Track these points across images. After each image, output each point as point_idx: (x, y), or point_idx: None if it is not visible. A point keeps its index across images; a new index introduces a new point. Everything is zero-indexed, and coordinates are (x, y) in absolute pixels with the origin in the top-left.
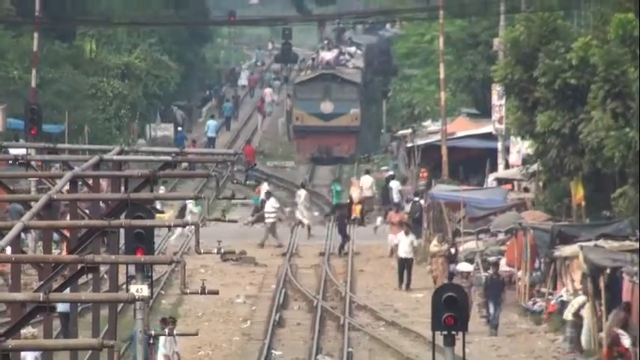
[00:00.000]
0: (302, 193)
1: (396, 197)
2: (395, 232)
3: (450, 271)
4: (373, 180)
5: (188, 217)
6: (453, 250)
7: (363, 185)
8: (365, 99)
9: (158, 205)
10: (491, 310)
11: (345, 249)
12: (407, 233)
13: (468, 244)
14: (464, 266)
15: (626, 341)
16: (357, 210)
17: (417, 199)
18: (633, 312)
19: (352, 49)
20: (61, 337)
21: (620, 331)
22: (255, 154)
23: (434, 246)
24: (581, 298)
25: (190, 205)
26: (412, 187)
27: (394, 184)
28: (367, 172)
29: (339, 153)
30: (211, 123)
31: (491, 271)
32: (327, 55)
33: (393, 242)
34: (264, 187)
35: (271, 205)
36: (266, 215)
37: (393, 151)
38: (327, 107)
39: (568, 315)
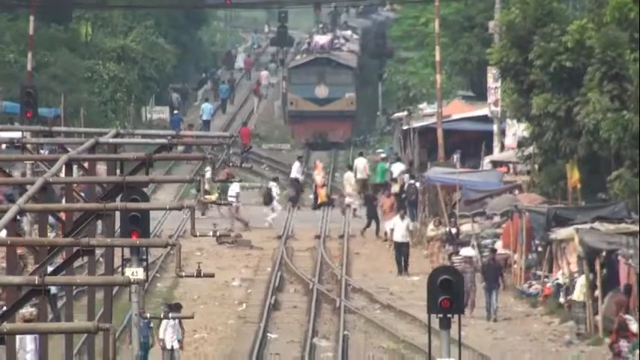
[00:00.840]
0: (349, 176)
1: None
2: (388, 217)
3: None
4: (367, 162)
5: (275, 202)
6: (454, 230)
7: (357, 167)
8: (361, 82)
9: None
10: (489, 295)
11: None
12: (402, 217)
13: (464, 227)
14: (467, 251)
15: (633, 326)
16: (321, 194)
17: (412, 181)
18: (633, 294)
19: (348, 32)
20: (54, 320)
21: (628, 316)
22: (251, 136)
23: (430, 230)
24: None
25: (274, 187)
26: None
27: (396, 167)
28: (361, 154)
29: (335, 138)
30: (206, 106)
31: (487, 256)
32: (322, 39)
33: (389, 227)
34: (235, 187)
35: (234, 189)
36: (229, 199)
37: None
38: (321, 91)
39: (580, 295)
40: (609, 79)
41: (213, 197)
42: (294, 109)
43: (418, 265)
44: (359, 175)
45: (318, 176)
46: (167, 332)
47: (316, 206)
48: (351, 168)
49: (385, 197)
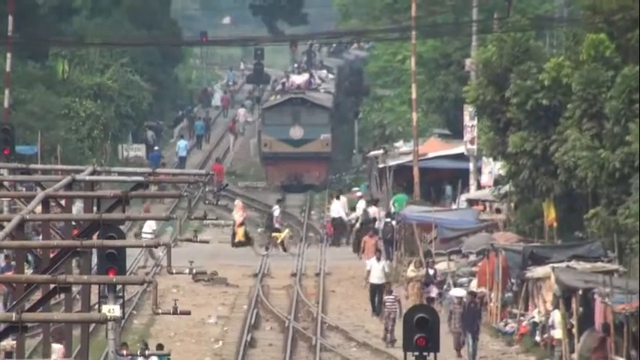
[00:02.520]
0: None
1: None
2: (368, 256)
3: (428, 294)
4: (346, 200)
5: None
6: (431, 272)
7: (336, 209)
8: (337, 121)
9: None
10: (468, 339)
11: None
12: (378, 259)
13: (440, 265)
14: (457, 291)
15: None
16: (239, 233)
17: (388, 219)
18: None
19: (323, 72)
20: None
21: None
22: (223, 172)
23: (411, 271)
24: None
25: (276, 211)
26: (383, 209)
27: (361, 204)
28: (337, 197)
29: (310, 180)
30: (182, 143)
31: (467, 299)
32: (298, 79)
33: (366, 268)
34: (151, 223)
35: (150, 226)
36: (143, 236)
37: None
38: (296, 133)
39: (559, 333)
40: (589, 117)
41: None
42: (268, 150)
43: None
44: (340, 214)
45: (237, 215)
46: None
47: (234, 244)
48: (338, 197)
49: (368, 237)
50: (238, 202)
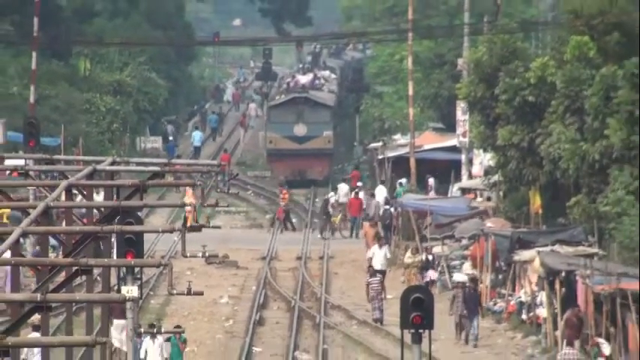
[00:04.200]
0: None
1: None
2: (370, 244)
3: (427, 278)
4: (349, 188)
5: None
6: (430, 257)
7: (340, 192)
8: (339, 116)
9: None
10: (470, 324)
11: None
12: (380, 246)
13: (434, 249)
14: (459, 277)
15: (606, 350)
16: (189, 218)
17: (387, 207)
18: (588, 313)
19: (326, 72)
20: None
21: (600, 340)
22: (230, 162)
23: (408, 257)
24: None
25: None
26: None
27: (342, 187)
28: (344, 180)
29: (313, 175)
30: (197, 134)
31: (468, 286)
32: (303, 79)
33: (368, 255)
34: None
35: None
36: None
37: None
38: (300, 130)
39: (544, 312)
40: (571, 112)
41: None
42: (273, 147)
43: (394, 287)
44: (341, 199)
45: (188, 200)
46: (149, 354)
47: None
48: (345, 180)
49: (369, 226)
50: (188, 189)
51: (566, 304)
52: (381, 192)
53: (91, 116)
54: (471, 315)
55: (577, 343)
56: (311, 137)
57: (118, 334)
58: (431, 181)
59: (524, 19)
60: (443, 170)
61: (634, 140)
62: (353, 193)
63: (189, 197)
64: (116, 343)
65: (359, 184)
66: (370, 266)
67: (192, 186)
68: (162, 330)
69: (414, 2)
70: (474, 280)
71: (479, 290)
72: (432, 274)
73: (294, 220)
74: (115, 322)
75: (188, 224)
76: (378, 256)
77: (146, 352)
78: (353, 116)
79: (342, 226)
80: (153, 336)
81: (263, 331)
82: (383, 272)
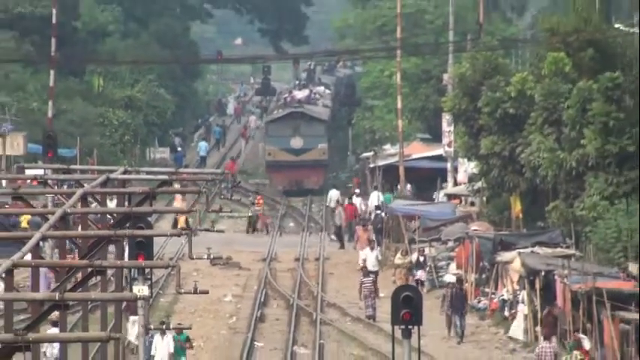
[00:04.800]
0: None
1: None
2: (363, 247)
3: (417, 278)
4: (339, 193)
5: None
6: (421, 258)
7: (331, 198)
8: (333, 132)
9: None
10: (457, 320)
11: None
12: (372, 249)
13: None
14: (448, 277)
15: (587, 344)
16: (180, 220)
17: (379, 211)
18: (566, 310)
19: (321, 88)
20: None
21: (582, 335)
22: (236, 169)
23: (398, 259)
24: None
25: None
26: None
27: (333, 194)
28: (334, 186)
29: (309, 185)
30: (202, 144)
31: (456, 286)
32: (299, 94)
33: (362, 257)
34: None
35: None
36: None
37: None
38: (296, 143)
39: (525, 309)
40: (550, 123)
41: None
42: (271, 159)
43: (385, 286)
44: (332, 205)
45: (178, 204)
46: (158, 350)
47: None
48: (335, 187)
49: (362, 230)
50: (177, 196)
51: (545, 302)
52: (374, 197)
53: (104, 129)
54: (457, 313)
55: (554, 338)
56: (307, 149)
57: (133, 328)
58: (408, 186)
59: (504, 37)
60: (429, 178)
61: (608, 149)
62: (347, 199)
63: (178, 202)
64: (131, 338)
65: (356, 190)
66: (364, 267)
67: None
68: (171, 326)
69: (403, 22)
70: (459, 280)
71: (465, 290)
72: (421, 275)
73: (268, 221)
74: (131, 318)
75: (178, 226)
76: (370, 258)
77: (155, 347)
78: (346, 128)
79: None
80: (162, 333)
81: (264, 327)
82: (375, 273)
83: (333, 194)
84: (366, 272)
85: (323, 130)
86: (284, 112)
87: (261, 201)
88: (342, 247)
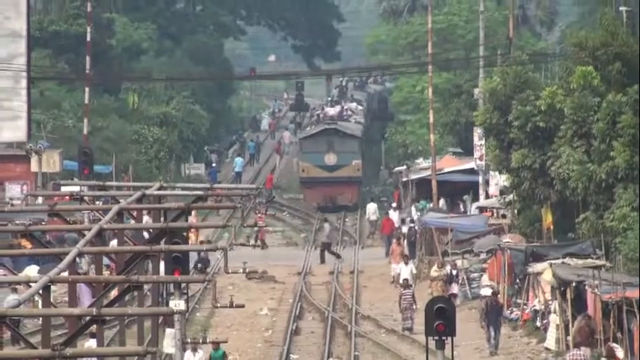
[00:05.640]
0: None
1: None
2: (396, 261)
3: (450, 291)
4: (376, 206)
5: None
6: (454, 272)
7: (369, 211)
8: (366, 147)
9: None
10: (492, 332)
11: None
12: (406, 263)
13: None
14: (484, 291)
15: (620, 353)
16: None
17: (412, 224)
18: (597, 318)
19: (353, 104)
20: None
21: (615, 345)
22: (273, 182)
23: (434, 271)
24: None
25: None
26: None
27: (371, 206)
28: (372, 199)
29: (343, 201)
30: (238, 160)
31: (490, 298)
32: (331, 111)
33: (396, 271)
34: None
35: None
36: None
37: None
38: (330, 159)
39: (557, 319)
40: (579, 136)
41: None
42: (305, 175)
43: (420, 298)
44: (371, 218)
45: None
46: None
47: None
48: (373, 200)
49: (395, 245)
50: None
51: (576, 312)
52: (394, 215)
53: (139, 146)
54: (492, 325)
55: (586, 348)
56: (341, 166)
57: (170, 341)
58: (441, 202)
59: (534, 51)
60: (462, 191)
61: (637, 161)
62: (385, 215)
63: (193, 235)
64: (169, 350)
65: (393, 205)
66: (405, 279)
67: (233, 208)
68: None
69: (434, 37)
70: (495, 293)
71: (500, 302)
72: (454, 287)
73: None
74: (168, 330)
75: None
76: (404, 272)
77: None
78: (379, 142)
79: (371, 243)
80: (194, 349)
81: (299, 339)
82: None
83: (371, 207)
84: (406, 284)
85: (356, 147)
86: (317, 128)
87: (262, 217)
88: (323, 261)
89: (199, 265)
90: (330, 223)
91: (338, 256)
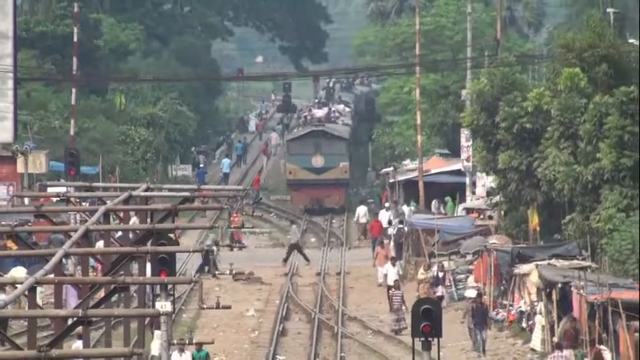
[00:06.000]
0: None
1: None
2: (381, 263)
3: (436, 293)
4: (367, 209)
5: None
6: (440, 274)
7: (359, 214)
8: (353, 149)
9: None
10: (478, 335)
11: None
12: (393, 265)
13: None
14: (469, 292)
15: (607, 356)
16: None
17: (401, 226)
18: (582, 319)
19: (341, 106)
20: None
21: (602, 347)
22: (260, 183)
23: (421, 274)
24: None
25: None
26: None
27: (361, 209)
28: (362, 202)
29: (330, 204)
30: (226, 161)
31: (476, 300)
32: (319, 113)
33: (383, 273)
34: None
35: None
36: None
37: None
38: (318, 161)
39: (542, 320)
40: (566, 138)
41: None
42: (292, 178)
43: (408, 300)
44: (360, 220)
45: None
46: None
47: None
48: (363, 202)
49: (380, 248)
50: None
51: (562, 313)
52: (384, 216)
53: (126, 147)
54: (478, 327)
55: (570, 351)
56: (328, 168)
57: (156, 343)
58: (434, 203)
59: (521, 53)
60: (449, 192)
61: (623, 162)
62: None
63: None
64: (155, 352)
65: (386, 204)
66: (396, 280)
67: (220, 209)
68: (194, 341)
69: (421, 39)
70: (480, 294)
71: (485, 304)
72: (440, 290)
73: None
74: (156, 332)
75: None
76: (391, 273)
77: None
78: (366, 144)
79: (357, 244)
80: (180, 350)
81: (286, 341)
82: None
83: (361, 210)
84: (397, 286)
85: (344, 149)
86: (305, 130)
87: (237, 218)
88: (286, 261)
89: (206, 268)
90: (297, 225)
91: (307, 259)
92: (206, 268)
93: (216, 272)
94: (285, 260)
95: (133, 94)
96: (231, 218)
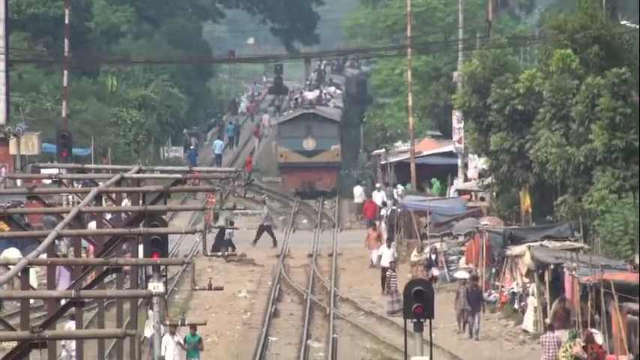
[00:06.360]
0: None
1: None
2: (373, 246)
3: (431, 275)
4: (362, 189)
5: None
6: (433, 256)
7: (355, 194)
8: (345, 132)
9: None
10: (472, 318)
11: None
12: (389, 246)
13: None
14: (461, 274)
15: (599, 339)
16: None
17: (394, 207)
18: (575, 300)
19: (332, 88)
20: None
21: (594, 330)
22: (252, 164)
23: (414, 256)
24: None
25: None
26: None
27: (357, 190)
28: (358, 182)
29: (322, 187)
30: (217, 143)
31: (470, 283)
32: (310, 95)
33: (377, 254)
34: None
35: None
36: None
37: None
38: (309, 144)
39: (534, 302)
40: (558, 119)
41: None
42: (283, 161)
43: (402, 282)
44: (356, 200)
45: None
46: (168, 350)
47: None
48: (359, 182)
49: (371, 230)
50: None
51: (554, 294)
52: (377, 197)
53: (118, 128)
54: (473, 310)
55: (562, 331)
56: (319, 151)
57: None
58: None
59: (513, 34)
60: (440, 173)
61: (615, 144)
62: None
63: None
64: (148, 334)
65: (377, 185)
66: (392, 262)
67: (212, 191)
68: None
69: (413, 20)
70: (474, 277)
71: (480, 287)
72: (434, 271)
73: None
74: (150, 312)
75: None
76: (386, 255)
77: (165, 347)
78: (358, 126)
79: (355, 226)
80: (171, 332)
81: (278, 322)
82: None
83: (357, 190)
84: (393, 267)
85: (335, 132)
86: (296, 113)
87: (213, 199)
88: (255, 243)
89: (222, 250)
90: (268, 207)
91: (274, 242)
92: (222, 250)
93: (231, 252)
94: (255, 242)
95: (125, 76)
96: (207, 201)
